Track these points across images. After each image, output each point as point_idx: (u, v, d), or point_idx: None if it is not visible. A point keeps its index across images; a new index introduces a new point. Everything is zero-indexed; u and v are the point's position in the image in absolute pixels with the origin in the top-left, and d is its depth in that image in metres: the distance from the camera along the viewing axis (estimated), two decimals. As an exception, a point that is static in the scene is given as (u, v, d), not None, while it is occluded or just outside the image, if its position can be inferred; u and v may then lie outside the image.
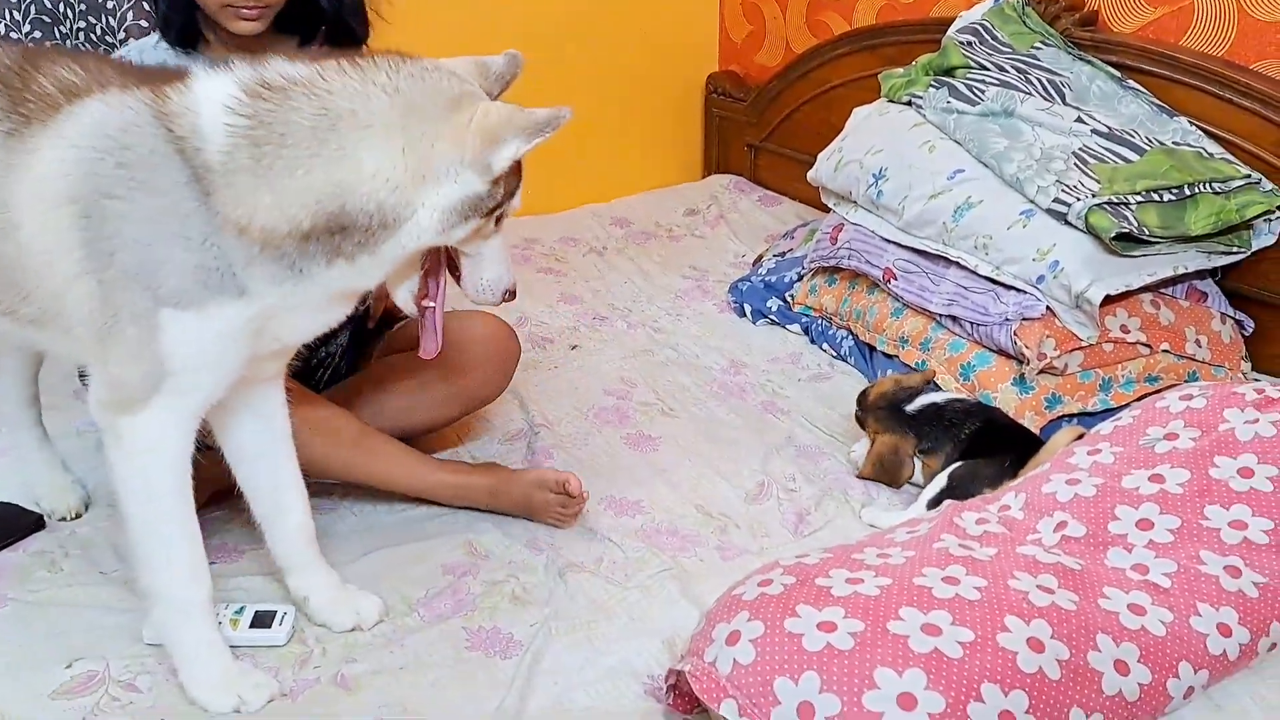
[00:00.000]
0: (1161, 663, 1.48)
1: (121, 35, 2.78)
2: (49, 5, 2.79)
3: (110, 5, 2.76)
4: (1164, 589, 1.56)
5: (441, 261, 1.62)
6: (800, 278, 2.96)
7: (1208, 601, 1.55)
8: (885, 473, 2.19)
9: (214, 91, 1.43)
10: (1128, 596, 1.54)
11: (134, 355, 1.46)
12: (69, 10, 2.80)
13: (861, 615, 1.45)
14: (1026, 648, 1.42)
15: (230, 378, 1.55)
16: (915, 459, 2.19)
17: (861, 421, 2.27)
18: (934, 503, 2.04)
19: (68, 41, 2.84)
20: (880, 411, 2.24)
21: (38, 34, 2.80)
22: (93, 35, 2.81)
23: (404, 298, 1.62)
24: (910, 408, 2.21)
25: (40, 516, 2.07)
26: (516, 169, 1.50)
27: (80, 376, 2.26)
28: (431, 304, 1.64)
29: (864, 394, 2.29)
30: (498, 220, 1.54)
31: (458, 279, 1.63)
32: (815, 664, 1.39)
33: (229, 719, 1.61)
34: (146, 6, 2.74)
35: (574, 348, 2.84)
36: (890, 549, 1.64)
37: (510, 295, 1.63)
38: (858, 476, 2.24)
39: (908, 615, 1.45)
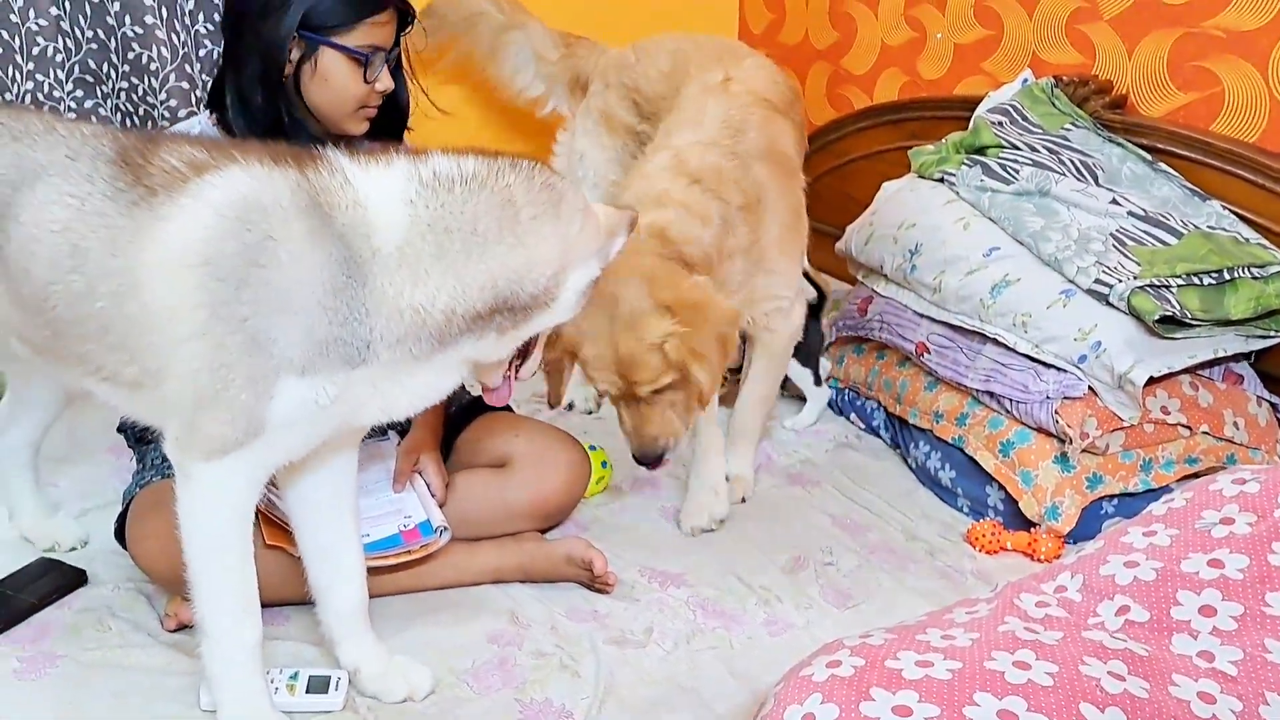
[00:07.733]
0: (1235, 753, 1.48)
1: (163, 96, 2.77)
2: (92, 65, 2.79)
3: (154, 67, 2.76)
4: (1231, 677, 1.55)
5: None
6: (826, 348, 2.98)
7: (1275, 690, 1.54)
8: None
9: (384, 187, 1.53)
10: (1196, 684, 1.53)
11: (236, 415, 1.49)
12: (112, 71, 2.80)
13: (936, 699, 1.44)
14: (1102, 735, 1.42)
15: (320, 440, 1.60)
16: None
17: None
18: None
19: (109, 101, 2.84)
20: None
21: (79, 93, 2.79)
22: (134, 96, 2.81)
23: (494, 370, 1.70)
24: None
25: (83, 571, 2.06)
26: None
27: (121, 430, 2.26)
28: (513, 376, 1.73)
29: None
30: None
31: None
32: (892, 748, 1.38)
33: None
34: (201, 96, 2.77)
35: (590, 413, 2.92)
36: (953, 630, 1.63)
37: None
38: None
39: (983, 700, 1.43)
